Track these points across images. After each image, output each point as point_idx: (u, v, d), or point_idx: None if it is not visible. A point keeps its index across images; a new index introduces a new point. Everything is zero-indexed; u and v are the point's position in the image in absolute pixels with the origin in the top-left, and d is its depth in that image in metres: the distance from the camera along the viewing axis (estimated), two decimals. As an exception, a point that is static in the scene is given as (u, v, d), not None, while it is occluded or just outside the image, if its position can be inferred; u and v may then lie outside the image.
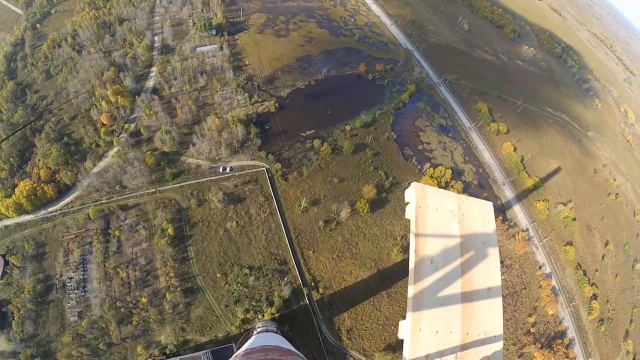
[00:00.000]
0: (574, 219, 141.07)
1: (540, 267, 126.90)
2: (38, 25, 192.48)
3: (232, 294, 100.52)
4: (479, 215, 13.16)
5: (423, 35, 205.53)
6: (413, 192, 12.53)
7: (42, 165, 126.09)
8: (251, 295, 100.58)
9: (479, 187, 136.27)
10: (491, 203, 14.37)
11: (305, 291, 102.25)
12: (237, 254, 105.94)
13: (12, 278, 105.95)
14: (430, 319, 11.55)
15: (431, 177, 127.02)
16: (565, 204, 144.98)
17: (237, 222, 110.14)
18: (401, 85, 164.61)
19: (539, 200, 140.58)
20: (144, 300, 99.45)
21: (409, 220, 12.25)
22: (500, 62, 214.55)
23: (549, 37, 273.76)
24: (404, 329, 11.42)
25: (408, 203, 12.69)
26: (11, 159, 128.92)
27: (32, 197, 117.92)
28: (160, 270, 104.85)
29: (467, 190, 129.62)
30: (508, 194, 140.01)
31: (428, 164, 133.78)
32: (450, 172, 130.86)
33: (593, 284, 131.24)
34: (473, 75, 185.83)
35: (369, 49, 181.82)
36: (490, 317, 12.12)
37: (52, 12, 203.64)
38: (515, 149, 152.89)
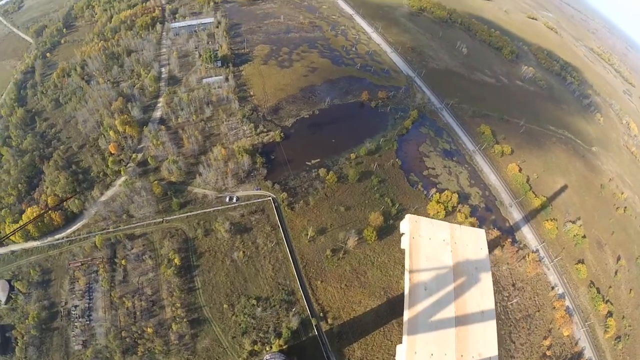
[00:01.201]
0: (584, 237, 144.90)
1: (552, 288, 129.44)
2: (48, 54, 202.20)
3: (239, 325, 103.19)
4: (472, 242, 14.69)
5: (423, 61, 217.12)
6: (407, 224, 14.24)
7: (50, 192, 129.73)
8: (259, 327, 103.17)
9: (486, 210, 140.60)
10: (483, 231, 16.11)
11: (313, 322, 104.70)
12: (244, 285, 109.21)
13: (17, 303, 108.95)
14: (425, 342, 12.89)
15: (438, 202, 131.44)
16: (574, 222, 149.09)
17: (243, 252, 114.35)
18: (404, 111, 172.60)
19: (547, 220, 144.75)
20: (149, 330, 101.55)
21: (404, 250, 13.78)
22: (501, 84, 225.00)
23: (547, 56, 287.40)
24: (400, 353, 13.17)
25: (403, 234, 14.23)
26: (19, 185, 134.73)
27: (39, 223, 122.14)
28: (166, 301, 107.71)
29: (474, 213, 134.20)
30: (516, 215, 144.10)
31: (434, 189, 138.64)
32: (457, 196, 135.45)
33: (607, 301, 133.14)
34: (474, 98, 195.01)
35: (371, 77, 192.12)
36: (484, 339, 13.51)
37: (62, 42, 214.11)
38: (520, 170, 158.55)
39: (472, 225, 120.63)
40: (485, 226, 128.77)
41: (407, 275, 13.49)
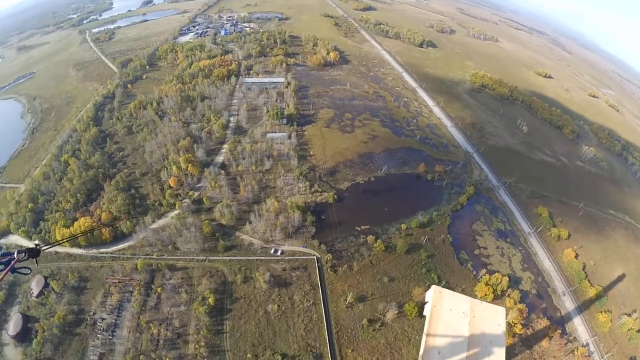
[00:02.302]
0: (639, 331, 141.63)
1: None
2: (129, 86, 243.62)
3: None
4: (490, 318, 16.77)
5: (483, 138, 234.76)
6: (431, 294, 16.91)
7: (106, 208, 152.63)
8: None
9: (538, 297, 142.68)
10: (504, 309, 19.39)
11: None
12: (273, 339, 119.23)
13: (47, 300, 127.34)
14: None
15: (486, 284, 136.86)
16: (629, 315, 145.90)
17: (278, 305, 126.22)
18: (460, 187, 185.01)
19: (601, 312, 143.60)
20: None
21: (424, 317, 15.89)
22: (561, 164, 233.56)
23: (608, 135, 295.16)
24: None
25: (427, 302, 16.73)
26: (78, 195, 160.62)
27: (89, 234, 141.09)
28: (191, 337, 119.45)
29: (524, 299, 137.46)
30: (568, 304, 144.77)
31: (484, 270, 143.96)
32: (507, 279, 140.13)
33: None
34: (533, 178, 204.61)
35: (429, 149, 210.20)
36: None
37: (143, 77, 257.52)
38: (576, 256, 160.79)
39: (521, 311, 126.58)
40: (534, 314, 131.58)
41: (424, 337, 15.67)
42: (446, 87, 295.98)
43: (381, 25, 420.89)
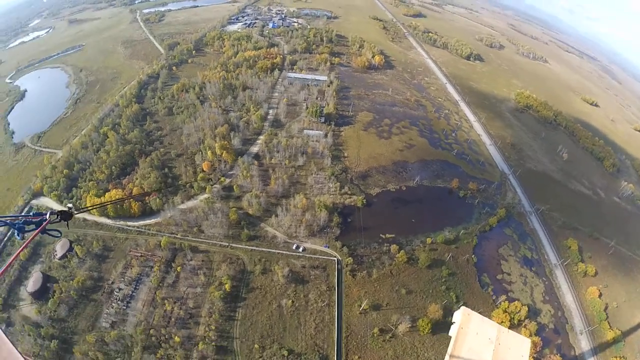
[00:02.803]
0: None
1: None
2: (174, 68, 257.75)
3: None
4: (515, 348, 17.26)
5: (521, 160, 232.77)
6: (460, 315, 17.66)
7: (138, 184, 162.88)
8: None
9: (554, 332, 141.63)
10: (529, 341, 19.72)
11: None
12: (282, 333, 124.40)
13: (69, 263, 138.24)
14: None
15: (504, 311, 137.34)
16: None
17: (293, 301, 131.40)
18: (491, 207, 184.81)
19: (616, 357, 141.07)
20: (176, 339, 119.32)
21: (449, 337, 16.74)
22: (597, 197, 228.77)
23: None
24: None
25: (454, 323, 17.55)
26: (113, 167, 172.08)
27: (118, 206, 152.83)
28: (203, 319, 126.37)
29: (540, 332, 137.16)
30: (584, 344, 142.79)
31: (504, 297, 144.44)
32: (526, 309, 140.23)
33: None
34: (567, 208, 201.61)
35: (465, 165, 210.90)
36: None
37: (189, 61, 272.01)
38: (600, 295, 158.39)
39: (535, 344, 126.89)
40: (548, 349, 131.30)
41: (447, 358, 15.97)
42: (489, 104, 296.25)
43: (429, 34, 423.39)
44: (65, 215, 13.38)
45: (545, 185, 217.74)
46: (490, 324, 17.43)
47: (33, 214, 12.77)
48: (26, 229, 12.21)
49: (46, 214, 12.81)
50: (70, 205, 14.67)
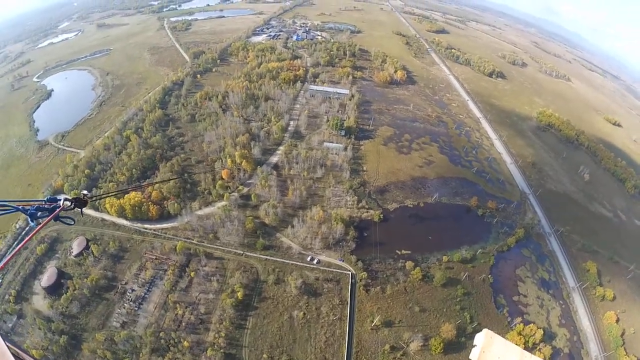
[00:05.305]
0: None
1: None
2: (198, 76, 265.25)
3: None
4: None
5: (541, 180, 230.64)
6: (482, 337, 17.51)
7: (157, 187, 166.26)
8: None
9: (569, 357, 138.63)
10: None
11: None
12: (292, 345, 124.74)
13: (84, 261, 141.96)
14: None
15: (519, 334, 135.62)
16: None
17: (304, 313, 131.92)
18: (510, 227, 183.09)
19: None
20: (185, 344, 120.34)
21: None
22: (618, 220, 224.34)
23: None
24: None
25: (475, 346, 17.36)
26: (134, 170, 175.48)
27: (137, 208, 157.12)
28: (213, 326, 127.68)
29: (554, 357, 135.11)
30: None
31: (519, 319, 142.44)
32: (542, 333, 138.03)
33: None
34: (587, 231, 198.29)
35: (485, 184, 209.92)
36: None
37: (213, 70, 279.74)
38: (617, 320, 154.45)
39: None
40: None
41: None
42: (511, 122, 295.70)
43: (452, 50, 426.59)
44: (79, 202, 12.88)
45: (565, 206, 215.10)
46: (513, 348, 15.86)
47: (47, 199, 12.15)
48: (39, 215, 11.53)
49: (60, 200, 12.28)
50: (85, 191, 14.68)
